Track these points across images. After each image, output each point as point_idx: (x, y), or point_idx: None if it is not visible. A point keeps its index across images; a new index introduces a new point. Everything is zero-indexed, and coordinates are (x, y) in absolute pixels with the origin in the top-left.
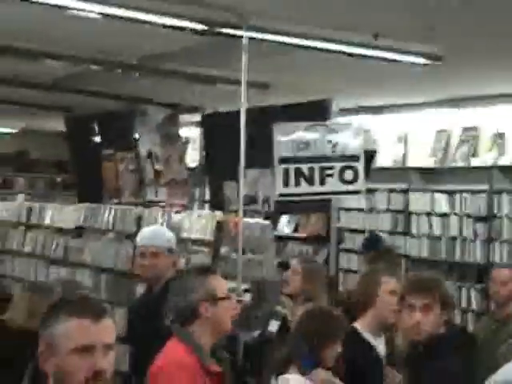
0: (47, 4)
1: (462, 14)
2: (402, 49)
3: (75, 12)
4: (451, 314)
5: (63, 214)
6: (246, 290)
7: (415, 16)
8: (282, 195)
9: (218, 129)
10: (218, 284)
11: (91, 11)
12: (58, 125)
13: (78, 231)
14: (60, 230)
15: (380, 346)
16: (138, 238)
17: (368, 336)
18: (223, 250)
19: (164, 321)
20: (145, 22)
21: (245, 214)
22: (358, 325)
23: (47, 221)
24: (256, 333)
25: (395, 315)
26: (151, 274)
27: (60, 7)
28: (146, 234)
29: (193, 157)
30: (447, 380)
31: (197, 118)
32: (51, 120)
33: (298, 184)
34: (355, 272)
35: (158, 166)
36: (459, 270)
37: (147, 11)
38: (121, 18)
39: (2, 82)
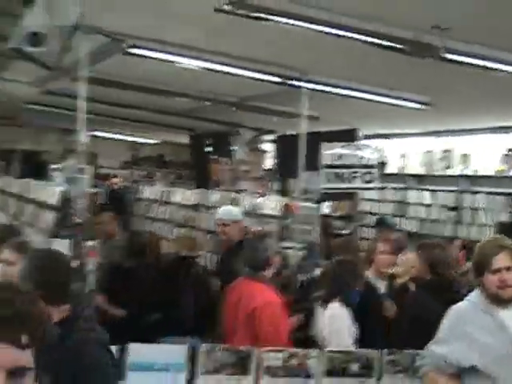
0: (180, 63)
1: (445, 77)
2: (406, 97)
3: (197, 68)
4: None
5: (185, 195)
6: (300, 248)
7: (413, 75)
8: (324, 189)
9: (285, 145)
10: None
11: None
12: (184, 139)
13: (194, 206)
14: (183, 206)
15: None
16: (216, 215)
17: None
18: (287, 222)
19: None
20: (242, 76)
21: (301, 200)
22: (368, 273)
23: (175, 200)
24: (307, 275)
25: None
26: (225, 236)
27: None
28: (220, 211)
29: (268, 162)
30: None
31: (272, 137)
32: (180, 135)
33: (335, 182)
34: (368, 239)
35: (245, 168)
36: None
37: (244, 68)
38: (226, 72)
39: (148, 110)
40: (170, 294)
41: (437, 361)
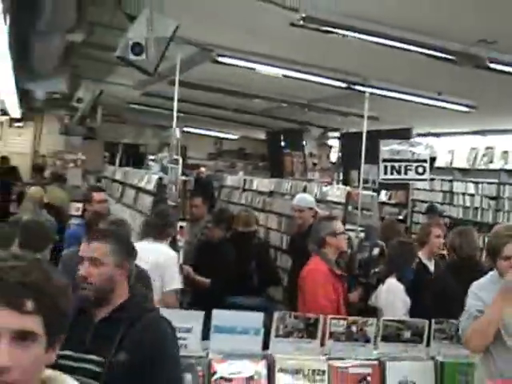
0: (259, 70)
1: (489, 84)
2: (454, 101)
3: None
4: None
5: (262, 183)
6: (361, 231)
7: (461, 81)
8: (383, 179)
9: (348, 141)
10: (338, 225)
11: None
12: (261, 135)
13: (270, 193)
14: (260, 192)
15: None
16: (293, 201)
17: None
18: (349, 208)
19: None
20: (313, 81)
21: (362, 189)
22: (420, 254)
23: (253, 187)
24: (366, 254)
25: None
26: (300, 221)
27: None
28: (296, 199)
29: (334, 156)
30: None
31: (337, 134)
32: (258, 132)
33: (392, 173)
34: (418, 223)
35: (315, 160)
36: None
37: (314, 75)
38: (299, 78)
39: (231, 109)
40: (241, 262)
41: (472, 315)
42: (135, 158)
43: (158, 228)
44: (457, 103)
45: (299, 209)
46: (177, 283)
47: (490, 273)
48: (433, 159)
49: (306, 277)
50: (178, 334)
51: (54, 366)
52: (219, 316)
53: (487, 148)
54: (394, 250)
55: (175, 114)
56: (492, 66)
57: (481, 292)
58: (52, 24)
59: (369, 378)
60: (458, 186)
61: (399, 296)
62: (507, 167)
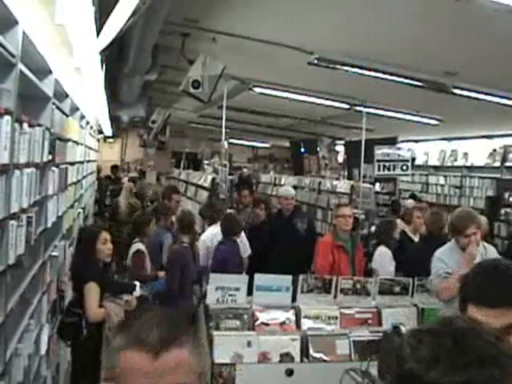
0: (285, 97)
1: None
2: (428, 116)
3: (296, 99)
4: None
5: (288, 180)
6: (361, 213)
7: (432, 102)
8: (377, 175)
9: (351, 147)
10: (342, 209)
11: (301, 100)
12: (286, 143)
13: (294, 187)
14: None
15: (416, 238)
16: (282, 192)
17: (410, 234)
18: (353, 196)
19: None
20: (323, 105)
21: (362, 182)
22: (406, 229)
23: (281, 182)
24: (365, 231)
25: None
26: (290, 206)
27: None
28: (285, 190)
29: (340, 158)
30: None
31: (343, 142)
32: (284, 141)
33: (383, 170)
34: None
35: (325, 161)
36: None
37: (326, 99)
38: (313, 102)
39: (265, 126)
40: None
41: (441, 275)
42: (194, 163)
43: (208, 216)
44: (430, 118)
45: (291, 197)
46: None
47: (448, 243)
48: (413, 159)
49: (316, 246)
50: (229, 292)
51: None
52: (259, 278)
53: (452, 150)
54: (380, 227)
55: (223, 129)
56: (455, 91)
57: (443, 257)
58: (134, 69)
59: (370, 321)
60: (432, 179)
61: (387, 259)
62: (467, 164)
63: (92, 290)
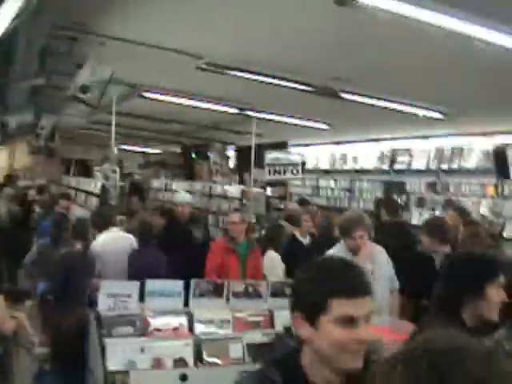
0: (174, 102)
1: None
2: (317, 120)
3: (186, 104)
4: None
5: (179, 185)
6: (254, 217)
7: (321, 107)
8: (268, 180)
9: (242, 152)
10: (231, 216)
11: (191, 105)
12: (177, 149)
13: (187, 192)
14: (177, 191)
15: (305, 241)
16: (177, 199)
17: (299, 237)
18: (244, 201)
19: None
20: (215, 110)
21: (253, 187)
22: (296, 232)
23: (173, 188)
24: (257, 234)
25: None
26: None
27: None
28: (181, 197)
29: (232, 163)
30: None
31: (233, 147)
32: (175, 147)
33: (274, 174)
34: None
35: (216, 167)
36: None
37: (216, 104)
38: (204, 108)
39: (154, 131)
40: None
41: None
42: (84, 169)
43: (98, 224)
44: (320, 122)
45: (186, 204)
46: None
47: (338, 244)
48: (303, 163)
49: (210, 244)
50: (121, 299)
51: None
52: (150, 284)
53: (342, 154)
54: (269, 232)
55: (113, 135)
56: (343, 96)
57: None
58: (21, 73)
59: (262, 324)
60: (322, 182)
61: (276, 262)
62: (357, 167)
63: None
